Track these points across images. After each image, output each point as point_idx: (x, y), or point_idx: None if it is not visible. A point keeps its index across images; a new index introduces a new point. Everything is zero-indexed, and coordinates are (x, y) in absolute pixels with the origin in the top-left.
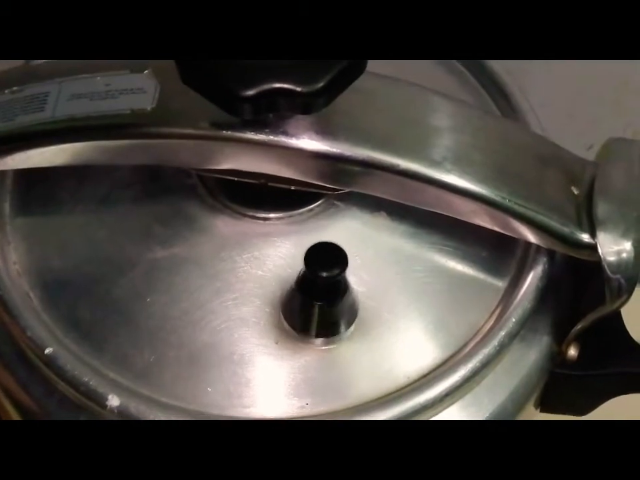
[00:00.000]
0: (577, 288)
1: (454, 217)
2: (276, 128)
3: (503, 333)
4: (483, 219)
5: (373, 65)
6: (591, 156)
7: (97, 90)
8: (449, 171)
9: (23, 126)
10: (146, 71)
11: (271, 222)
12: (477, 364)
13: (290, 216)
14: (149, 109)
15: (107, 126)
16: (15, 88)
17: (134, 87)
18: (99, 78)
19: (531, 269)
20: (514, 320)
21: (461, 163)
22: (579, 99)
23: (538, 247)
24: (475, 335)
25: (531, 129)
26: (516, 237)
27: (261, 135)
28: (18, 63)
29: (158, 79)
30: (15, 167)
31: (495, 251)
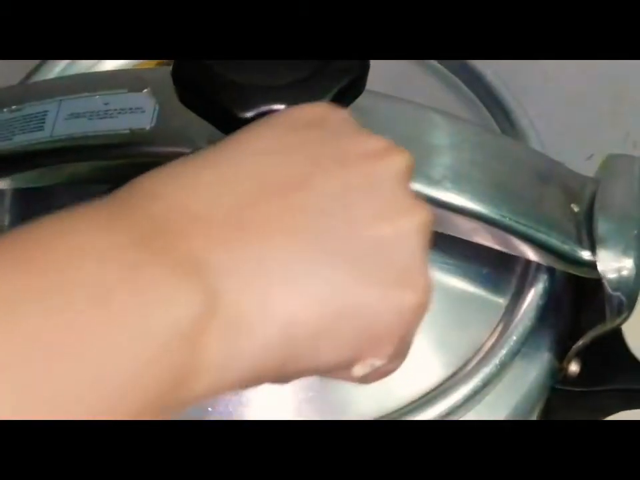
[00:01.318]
0: (577, 304)
1: (454, 235)
2: None
3: (504, 351)
4: (482, 237)
5: (371, 82)
6: (590, 165)
7: (96, 109)
8: (448, 190)
9: (21, 145)
10: (145, 90)
11: None
12: (479, 382)
13: None
14: (147, 128)
15: (106, 146)
16: (13, 107)
17: (133, 106)
18: (97, 97)
19: (531, 286)
20: (515, 337)
21: (460, 181)
22: (577, 109)
23: (538, 264)
24: (477, 352)
25: (531, 145)
26: (516, 254)
27: None
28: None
29: (156, 97)
30: (14, 187)
31: (496, 269)
